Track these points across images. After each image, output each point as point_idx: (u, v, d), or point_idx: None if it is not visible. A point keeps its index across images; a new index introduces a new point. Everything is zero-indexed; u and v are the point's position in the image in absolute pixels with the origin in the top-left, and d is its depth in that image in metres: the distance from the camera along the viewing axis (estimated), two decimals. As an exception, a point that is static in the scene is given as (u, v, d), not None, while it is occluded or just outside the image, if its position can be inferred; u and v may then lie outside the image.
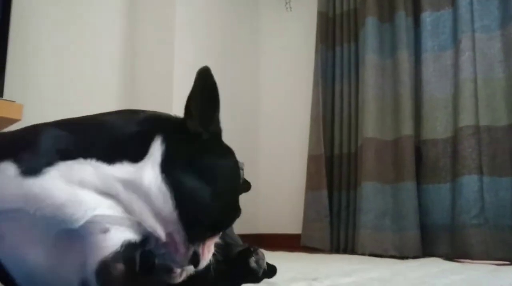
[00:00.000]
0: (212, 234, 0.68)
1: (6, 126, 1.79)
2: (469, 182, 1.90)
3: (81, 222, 0.55)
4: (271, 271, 0.91)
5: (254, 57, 3.07)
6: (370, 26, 2.31)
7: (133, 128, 0.64)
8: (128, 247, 0.58)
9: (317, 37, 2.64)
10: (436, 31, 2.20)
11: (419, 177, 2.12)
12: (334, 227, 2.39)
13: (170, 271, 0.90)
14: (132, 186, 0.59)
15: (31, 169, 0.56)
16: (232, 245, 0.91)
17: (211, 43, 2.71)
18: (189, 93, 0.65)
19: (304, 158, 2.60)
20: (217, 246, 0.90)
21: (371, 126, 2.24)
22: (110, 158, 0.59)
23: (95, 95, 2.37)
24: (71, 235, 0.56)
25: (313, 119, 2.56)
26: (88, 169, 0.58)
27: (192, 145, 0.65)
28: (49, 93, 2.19)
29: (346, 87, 2.50)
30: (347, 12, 2.56)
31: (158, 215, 0.60)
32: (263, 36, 3.11)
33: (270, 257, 0.91)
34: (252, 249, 0.82)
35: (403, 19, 2.24)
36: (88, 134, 0.62)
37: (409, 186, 2.07)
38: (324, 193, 2.41)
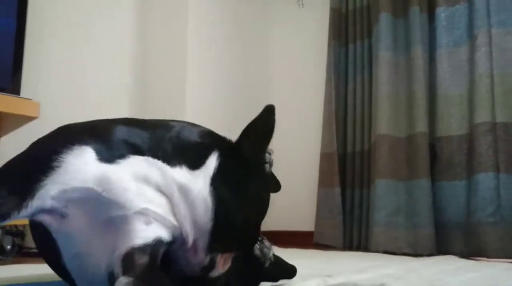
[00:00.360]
0: (232, 251, 0.71)
1: (23, 124, 1.83)
2: (485, 180, 1.87)
3: (135, 210, 0.60)
4: (290, 272, 0.90)
5: (266, 54, 3.07)
6: (384, 22, 2.29)
7: (196, 138, 0.70)
8: (158, 243, 0.62)
9: (329, 33, 2.63)
10: (451, 27, 2.17)
11: (433, 174, 2.09)
12: (347, 225, 2.39)
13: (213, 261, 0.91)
14: (185, 190, 0.65)
15: (107, 158, 0.61)
16: None
17: (223, 39, 2.72)
18: (253, 121, 0.71)
19: (316, 155, 2.60)
20: None
21: (385, 124, 2.22)
22: (173, 161, 0.65)
23: (108, 93, 2.40)
24: (121, 220, 0.60)
25: (326, 116, 2.55)
26: (154, 168, 0.63)
27: (242, 167, 0.70)
28: (64, 91, 2.23)
29: (359, 84, 2.48)
30: (360, 8, 2.54)
31: (195, 222, 0.65)
32: (275, 32, 3.10)
33: (283, 254, 0.91)
34: (259, 238, 0.82)
35: (417, 15, 2.22)
36: (157, 135, 0.67)
37: (423, 183, 2.05)
38: (337, 190, 2.41)
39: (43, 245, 0.73)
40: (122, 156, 0.62)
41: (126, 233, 0.60)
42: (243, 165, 0.70)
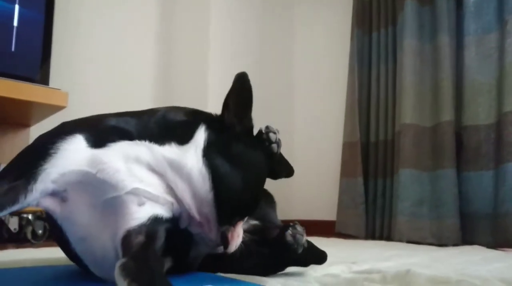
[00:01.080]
0: (240, 218, 0.75)
1: (52, 113, 1.88)
2: (514, 169, 1.83)
3: (126, 190, 0.64)
4: (321, 257, 0.90)
5: (289, 43, 3.05)
6: (410, 10, 2.24)
7: (181, 117, 0.74)
8: (154, 222, 0.65)
9: (353, 22, 2.59)
10: (479, 13, 2.11)
11: (459, 164, 2.06)
12: (370, 214, 2.37)
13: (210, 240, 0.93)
14: (177, 166, 0.67)
15: (97, 143, 0.65)
16: (271, 227, 0.92)
17: (246, 30, 2.71)
18: (228, 91, 0.73)
19: (339, 144, 2.58)
20: (254, 227, 0.92)
21: (409, 113, 2.19)
22: (161, 140, 0.68)
23: (134, 82, 2.44)
24: (115, 202, 0.64)
25: (348, 105, 2.53)
26: (143, 149, 0.67)
27: (228, 134, 0.73)
28: (91, 81, 2.28)
29: (383, 73, 2.45)
30: (384, -5, 2.49)
31: (195, 195, 0.68)
32: (298, 21, 3.08)
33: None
34: (291, 224, 0.82)
35: (444, 2, 2.16)
36: (143, 120, 0.71)
37: (449, 173, 2.02)
38: (360, 180, 2.39)
39: (55, 234, 0.76)
40: (111, 141, 0.66)
41: (122, 215, 0.64)
42: (229, 131, 0.73)
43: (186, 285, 0.73)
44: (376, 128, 2.45)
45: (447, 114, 2.08)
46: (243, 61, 2.62)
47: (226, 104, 0.74)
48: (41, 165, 0.61)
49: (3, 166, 1.70)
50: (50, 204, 0.65)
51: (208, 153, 0.69)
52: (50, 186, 0.62)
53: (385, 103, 2.42)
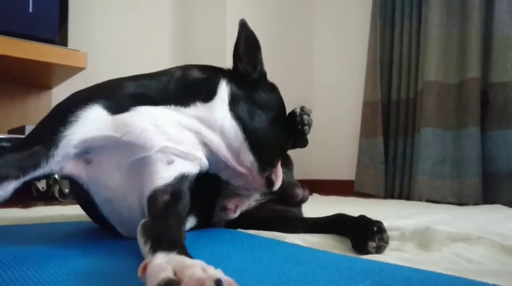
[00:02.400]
0: (278, 157, 0.78)
1: (72, 75, 1.90)
2: (542, 128, 1.77)
3: (155, 149, 0.64)
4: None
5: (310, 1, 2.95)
6: (437, -41, 2.11)
7: (200, 75, 0.75)
8: (180, 180, 0.67)
9: (376, -26, 2.47)
10: (513, -39, 1.97)
11: (484, 123, 2.00)
12: (389, 174, 2.37)
13: (224, 208, 0.95)
14: (208, 123, 0.70)
15: (119, 109, 0.65)
16: (287, 187, 0.93)
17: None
18: (235, 42, 0.75)
19: (359, 104, 2.54)
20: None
21: (433, 70, 2.11)
22: (185, 101, 0.70)
23: (151, 43, 2.42)
24: (143, 162, 0.65)
25: (370, 63, 2.46)
26: (170, 112, 0.68)
27: (247, 84, 0.76)
28: (110, 42, 2.27)
29: (406, 29, 2.35)
30: None
31: (231, 148, 0.72)
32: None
33: (324, 201, 0.93)
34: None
35: (475, -51, 2.03)
36: (163, 83, 0.71)
37: (473, 131, 1.97)
38: (380, 139, 2.37)
39: (80, 198, 0.78)
40: (133, 106, 0.66)
41: (149, 175, 0.65)
42: (248, 82, 0.76)
43: (202, 241, 0.75)
44: (398, 86, 2.39)
45: (474, 71, 2.00)
46: (262, 12, 2.55)
47: (237, 55, 0.76)
48: (61, 132, 0.61)
49: (27, 127, 1.75)
50: (74, 169, 0.65)
51: (234, 105, 0.72)
52: (71, 151, 0.62)
53: (408, 61, 2.34)
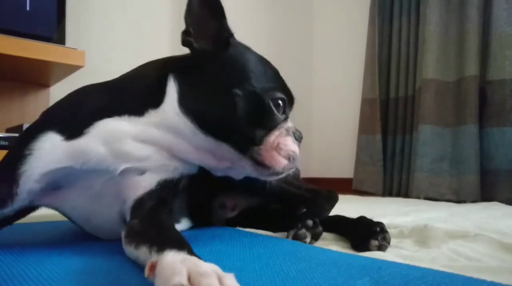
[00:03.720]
0: (258, 130, 0.64)
1: (70, 73, 1.89)
2: (539, 125, 1.78)
3: (119, 171, 0.62)
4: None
5: (306, -3, 2.94)
6: (435, -44, 2.11)
7: (151, 77, 0.68)
8: (165, 186, 0.65)
9: (374, -29, 2.46)
10: (511, -42, 1.97)
11: (482, 120, 2.01)
12: (387, 171, 2.37)
13: (223, 206, 0.95)
14: (165, 128, 0.64)
15: (73, 134, 0.61)
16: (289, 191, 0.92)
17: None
18: (184, 15, 0.66)
19: (357, 101, 2.54)
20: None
21: (432, 67, 2.12)
22: (139, 110, 0.64)
23: (150, 41, 2.41)
24: (115, 180, 0.63)
25: (368, 60, 2.46)
26: (125, 124, 0.63)
27: (198, 64, 0.66)
28: (108, 40, 2.26)
29: (405, 25, 2.35)
30: None
31: (194, 145, 0.65)
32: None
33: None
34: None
35: None
36: (117, 94, 0.67)
37: (471, 129, 1.98)
38: (378, 137, 2.37)
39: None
40: (87, 126, 0.62)
41: (127, 188, 0.63)
42: (202, 61, 0.66)
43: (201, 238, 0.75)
44: (396, 84, 2.39)
45: (472, 68, 2.00)
46: (262, 10, 2.54)
47: (187, 32, 0.66)
48: (19, 168, 0.59)
49: (25, 125, 1.74)
50: (45, 199, 0.65)
51: (183, 99, 0.64)
52: (35, 185, 0.61)
53: (406, 58, 2.34)
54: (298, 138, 0.69)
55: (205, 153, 0.65)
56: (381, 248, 0.70)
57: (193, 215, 0.89)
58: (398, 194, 2.27)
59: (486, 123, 2.00)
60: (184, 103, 0.64)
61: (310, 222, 0.76)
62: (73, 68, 1.83)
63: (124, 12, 2.34)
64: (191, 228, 0.89)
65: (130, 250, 0.53)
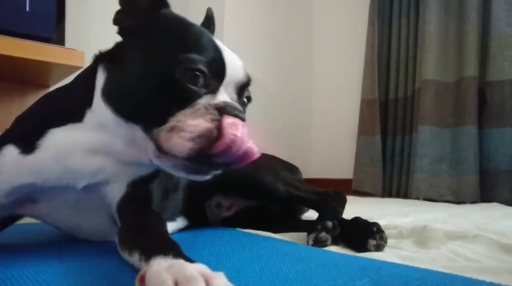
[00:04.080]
0: (165, 110, 0.54)
1: (70, 74, 1.89)
2: (539, 126, 1.78)
3: (80, 186, 0.61)
4: None
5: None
6: (434, -43, 2.12)
7: (86, 74, 0.65)
8: (137, 187, 0.64)
9: (373, -28, 2.47)
10: (510, -41, 1.97)
11: (482, 121, 2.01)
12: (387, 172, 2.37)
13: (219, 205, 0.96)
14: (99, 127, 0.60)
15: (28, 147, 0.60)
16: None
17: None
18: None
19: (357, 102, 2.54)
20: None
21: (431, 68, 2.12)
22: (80, 114, 0.61)
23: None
24: (85, 193, 0.62)
25: (367, 61, 2.46)
26: (71, 134, 0.61)
27: (120, 47, 0.64)
28: (107, 41, 2.26)
29: (404, 26, 2.35)
30: None
31: (124, 140, 0.59)
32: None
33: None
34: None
35: None
36: (59, 102, 0.65)
37: (470, 129, 1.98)
38: (378, 138, 2.37)
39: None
40: (39, 138, 0.60)
41: (103, 196, 0.63)
42: (123, 45, 0.64)
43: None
44: (395, 85, 2.39)
45: (471, 69, 2.00)
46: (261, 11, 2.54)
47: (120, 12, 0.64)
48: None
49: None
50: (23, 210, 0.65)
51: (104, 90, 0.60)
52: (5, 200, 0.60)
53: (406, 58, 2.34)
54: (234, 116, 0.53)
55: (134, 146, 0.58)
56: (379, 247, 0.70)
57: (189, 214, 0.89)
58: (398, 195, 2.27)
59: (485, 124, 2.01)
60: (106, 92, 0.60)
61: (330, 224, 0.76)
62: (72, 69, 1.82)
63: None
64: (187, 227, 0.89)
65: (125, 256, 0.53)
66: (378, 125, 2.37)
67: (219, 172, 0.55)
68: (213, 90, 0.56)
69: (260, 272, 0.50)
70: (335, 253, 0.67)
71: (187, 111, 0.53)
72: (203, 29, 0.62)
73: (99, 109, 0.60)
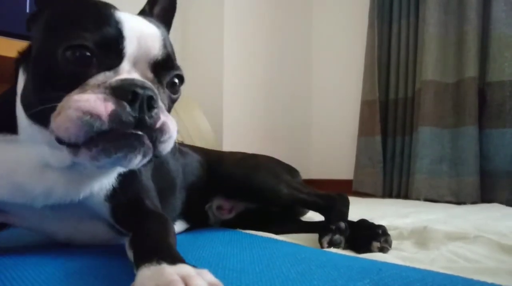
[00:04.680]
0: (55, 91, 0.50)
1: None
2: (539, 127, 1.78)
3: (39, 206, 0.58)
4: None
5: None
6: (434, -42, 2.12)
7: (13, 79, 0.62)
8: (123, 180, 0.63)
9: (373, -27, 2.47)
10: (510, -40, 1.97)
11: (482, 121, 2.01)
12: (387, 173, 2.37)
13: (220, 207, 0.96)
14: (30, 138, 0.57)
15: None
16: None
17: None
18: None
19: (357, 103, 2.54)
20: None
21: (431, 69, 2.12)
22: (12, 126, 0.58)
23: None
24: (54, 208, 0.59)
25: (368, 62, 2.46)
26: (8, 149, 0.58)
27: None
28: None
29: (404, 27, 2.35)
30: None
31: (47, 144, 0.55)
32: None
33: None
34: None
35: None
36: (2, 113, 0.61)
37: (470, 130, 1.98)
38: (378, 138, 2.37)
39: None
40: None
41: (82, 210, 0.62)
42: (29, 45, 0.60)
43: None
44: (395, 85, 2.39)
45: (471, 70, 2.00)
46: (261, 12, 2.54)
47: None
48: None
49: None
50: (12, 220, 0.64)
51: (21, 95, 0.57)
52: None
53: (406, 59, 2.34)
54: (130, 93, 0.47)
55: (58, 149, 0.51)
56: (382, 250, 0.70)
57: (189, 216, 0.89)
58: (398, 196, 2.27)
59: (485, 124, 2.01)
60: (21, 97, 0.55)
61: (343, 224, 0.76)
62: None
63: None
64: (188, 229, 0.89)
65: (130, 257, 0.53)
66: (378, 126, 2.37)
67: (147, 157, 0.49)
68: (110, 68, 0.50)
69: (260, 273, 0.50)
70: (336, 254, 0.67)
71: (73, 93, 0.48)
72: (101, 4, 0.56)
73: (20, 117, 0.56)
